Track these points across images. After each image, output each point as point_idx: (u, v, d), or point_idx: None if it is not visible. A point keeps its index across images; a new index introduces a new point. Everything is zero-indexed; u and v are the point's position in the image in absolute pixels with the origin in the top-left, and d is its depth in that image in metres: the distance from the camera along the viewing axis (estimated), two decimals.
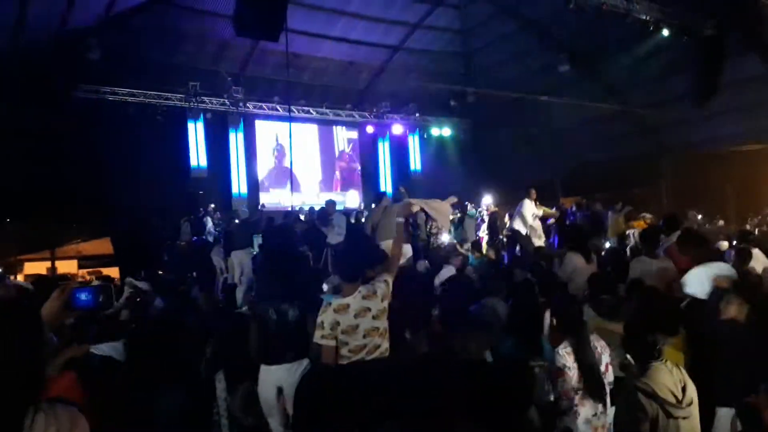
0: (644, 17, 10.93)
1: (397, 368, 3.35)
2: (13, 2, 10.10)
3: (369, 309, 3.26)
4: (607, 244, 9.69)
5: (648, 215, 11.72)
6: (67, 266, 13.83)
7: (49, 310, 2.75)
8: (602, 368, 3.28)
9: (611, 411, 3.20)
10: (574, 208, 13.04)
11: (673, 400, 2.58)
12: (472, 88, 16.33)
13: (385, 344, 3.33)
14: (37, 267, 13.89)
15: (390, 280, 3.41)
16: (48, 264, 13.65)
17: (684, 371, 2.64)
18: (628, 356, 2.95)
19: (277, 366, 3.67)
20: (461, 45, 16.76)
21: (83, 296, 2.88)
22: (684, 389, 2.56)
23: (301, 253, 5.80)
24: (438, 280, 6.67)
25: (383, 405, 3.16)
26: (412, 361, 3.70)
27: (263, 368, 3.72)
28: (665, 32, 11.94)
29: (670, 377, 2.54)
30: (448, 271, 7.04)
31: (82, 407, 1.86)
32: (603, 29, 13.62)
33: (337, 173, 18.07)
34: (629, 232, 10.56)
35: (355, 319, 3.22)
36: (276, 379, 3.66)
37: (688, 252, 4.56)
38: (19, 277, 12.25)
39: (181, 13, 13.19)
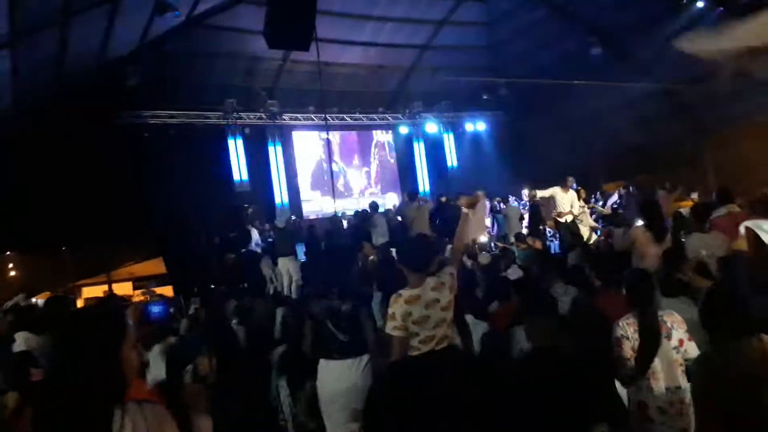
0: None
1: (471, 360, 3.40)
2: (55, 36, 10.47)
3: (438, 300, 3.30)
4: None
5: (695, 194, 11.49)
6: (122, 288, 14.28)
7: None
8: (675, 343, 3.26)
9: (689, 387, 3.16)
10: (622, 192, 12.89)
11: (755, 373, 2.47)
12: (504, 79, 16.22)
13: (453, 334, 3.37)
14: (94, 291, 14.35)
15: (455, 272, 3.45)
16: (104, 287, 14.11)
17: None
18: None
19: (336, 361, 3.73)
20: (489, 37, 16.65)
21: (155, 310, 3.06)
22: None
23: (350, 252, 5.86)
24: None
25: (458, 396, 3.21)
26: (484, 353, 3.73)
27: (322, 363, 3.78)
28: (699, 4, 11.66)
29: (757, 351, 2.44)
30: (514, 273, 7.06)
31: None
32: (634, 7, 13.40)
33: (377, 176, 18.16)
34: (681, 211, 10.35)
35: (425, 310, 3.26)
36: (337, 374, 3.72)
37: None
38: (79, 302, 12.67)
39: (212, 32, 13.49)
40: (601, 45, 14.52)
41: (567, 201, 10.83)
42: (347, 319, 3.72)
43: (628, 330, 3.30)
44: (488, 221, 13.17)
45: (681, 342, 3.29)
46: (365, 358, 3.73)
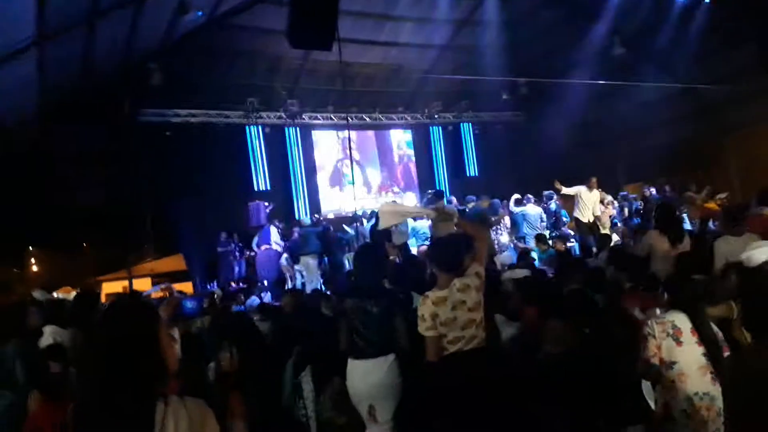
0: None
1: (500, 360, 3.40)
2: (81, 36, 10.62)
3: (465, 301, 3.31)
4: (687, 226, 9.35)
5: (722, 195, 11.37)
6: (142, 284, 14.37)
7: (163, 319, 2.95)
8: (704, 349, 3.23)
9: (719, 395, 3.12)
10: (647, 195, 12.83)
11: None
12: (524, 78, 16.14)
13: (482, 334, 3.37)
14: (114, 287, 14.46)
15: (482, 271, 3.45)
16: (125, 283, 14.22)
17: None
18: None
19: (364, 360, 3.76)
20: (510, 37, 16.57)
21: (189, 305, 3.12)
22: None
23: (383, 251, 5.84)
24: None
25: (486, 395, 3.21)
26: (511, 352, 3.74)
27: (350, 362, 3.81)
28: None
29: None
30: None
31: None
32: (656, 7, 13.28)
33: (397, 176, 18.18)
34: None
35: (452, 312, 3.28)
36: (364, 373, 3.74)
37: None
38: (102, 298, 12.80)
39: (233, 32, 13.60)
40: (623, 45, 14.40)
41: (591, 201, 10.81)
42: (375, 317, 3.75)
43: (656, 329, 3.27)
44: (507, 221, 13.08)
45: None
46: (391, 357, 3.75)
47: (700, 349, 3.21)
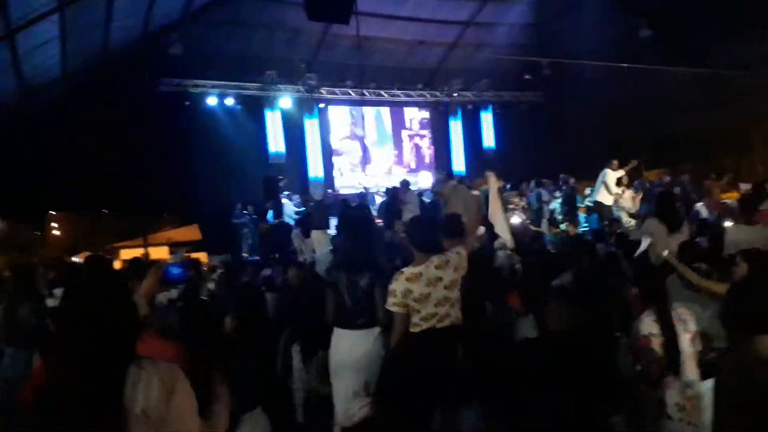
0: None
1: (477, 339, 3.40)
2: (102, 3, 10.65)
3: (441, 279, 3.31)
4: (705, 214, 9.15)
5: (746, 185, 11.14)
6: (158, 252, 14.59)
7: (147, 285, 3.02)
8: (689, 335, 3.20)
9: (704, 383, 3.10)
10: (667, 179, 12.65)
11: None
12: (547, 59, 15.87)
13: (457, 313, 3.37)
14: (131, 254, 14.70)
15: (464, 252, 3.44)
16: (141, 251, 14.46)
17: None
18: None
19: (350, 331, 3.79)
20: (534, 16, 16.29)
21: (175, 271, 3.18)
22: None
23: (375, 225, 5.85)
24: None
25: (460, 375, 3.22)
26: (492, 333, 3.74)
27: (336, 331, 3.85)
28: None
29: None
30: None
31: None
32: None
33: (410, 154, 18.06)
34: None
35: (426, 288, 3.28)
36: (348, 343, 3.78)
37: None
38: (116, 263, 13.05)
39: (254, 3, 13.55)
40: (649, 27, 14.08)
41: (614, 183, 10.81)
42: (363, 291, 3.77)
43: (654, 327, 3.21)
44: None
45: (695, 335, 3.23)
46: (376, 330, 3.78)
47: (687, 336, 3.19)
